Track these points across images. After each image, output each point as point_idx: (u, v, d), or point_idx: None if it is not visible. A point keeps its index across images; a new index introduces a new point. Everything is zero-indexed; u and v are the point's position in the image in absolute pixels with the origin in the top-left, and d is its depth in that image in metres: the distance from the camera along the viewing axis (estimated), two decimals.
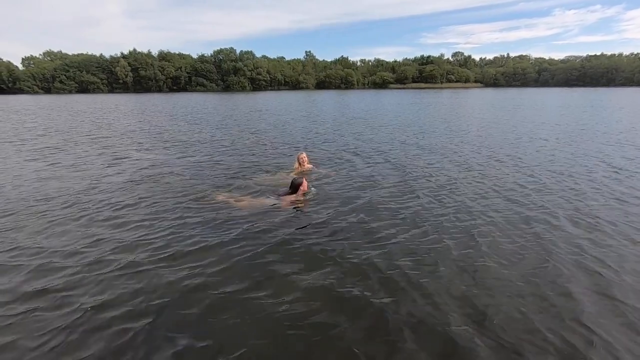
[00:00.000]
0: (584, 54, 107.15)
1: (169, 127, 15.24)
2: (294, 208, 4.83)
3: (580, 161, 7.76)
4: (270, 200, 5.02)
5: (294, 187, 5.10)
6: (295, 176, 5.60)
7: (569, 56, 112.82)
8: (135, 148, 9.95)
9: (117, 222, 4.44)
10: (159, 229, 4.17)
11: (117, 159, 8.43)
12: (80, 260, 3.48)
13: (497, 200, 5.14)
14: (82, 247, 3.75)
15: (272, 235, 3.98)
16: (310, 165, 6.83)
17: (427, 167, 7.21)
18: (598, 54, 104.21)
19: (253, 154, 8.85)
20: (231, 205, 4.89)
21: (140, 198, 5.34)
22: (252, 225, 4.24)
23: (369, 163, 7.68)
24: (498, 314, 2.65)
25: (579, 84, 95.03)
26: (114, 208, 4.92)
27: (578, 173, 6.68)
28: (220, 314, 2.67)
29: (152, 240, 3.88)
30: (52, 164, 7.90)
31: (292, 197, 5.03)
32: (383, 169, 7.14)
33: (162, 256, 3.53)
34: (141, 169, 7.34)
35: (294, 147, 9.85)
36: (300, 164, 6.66)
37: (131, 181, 6.35)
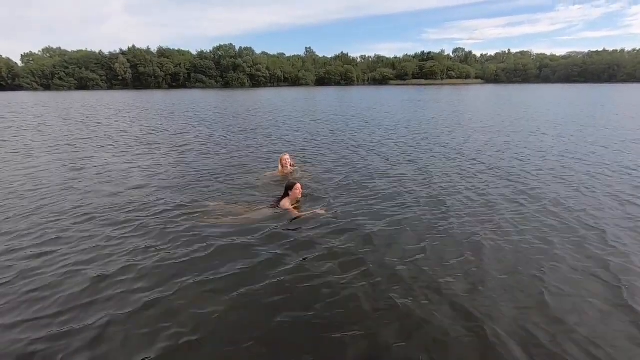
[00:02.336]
0: (587, 50, 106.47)
1: (156, 126, 15.11)
2: (291, 217, 4.52)
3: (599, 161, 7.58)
4: (264, 210, 4.70)
5: (287, 190, 4.79)
6: (290, 179, 5.38)
7: (571, 52, 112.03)
8: (118, 152, 9.67)
9: (89, 238, 4.08)
10: (136, 247, 3.81)
11: (95, 164, 8.14)
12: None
13: (506, 205, 5.06)
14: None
15: (268, 247, 3.78)
16: (293, 168, 6.62)
17: (426, 171, 7.06)
18: (600, 49, 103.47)
19: (241, 155, 8.70)
20: (222, 218, 4.52)
21: (118, 211, 4.96)
22: (249, 237, 3.98)
23: (368, 164, 7.53)
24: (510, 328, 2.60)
25: (580, 80, 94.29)
26: (85, 223, 4.53)
27: (597, 180, 6.27)
28: (221, 330, 2.60)
29: (136, 261, 3.53)
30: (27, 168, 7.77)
31: (287, 204, 4.67)
32: (386, 170, 6.98)
33: (146, 277, 3.26)
34: (120, 175, 6.91)
35: (287, 146, 9.81)
36: (282, 165, 6.44)
37: (105, 191, 5.88)
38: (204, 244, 3.83)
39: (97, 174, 6.99)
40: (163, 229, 4.25)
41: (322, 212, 4.61)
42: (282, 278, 3.19)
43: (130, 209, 4.98)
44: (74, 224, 4.50)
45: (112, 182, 6.39)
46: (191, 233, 4.12)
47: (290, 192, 4.76)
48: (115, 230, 4.26)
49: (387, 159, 7.97)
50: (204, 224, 4.37)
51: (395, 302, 2.83)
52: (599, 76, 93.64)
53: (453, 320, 2.64)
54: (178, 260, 3.53)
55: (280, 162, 6.52)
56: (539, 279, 3.16)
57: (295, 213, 4.57)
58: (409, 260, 3.49)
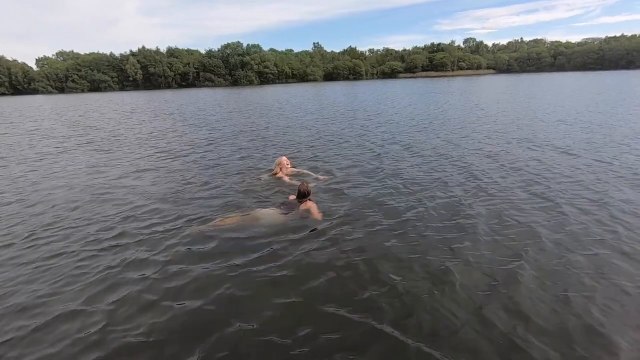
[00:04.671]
0: (604, 36, 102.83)
1: (154, 129, 15.03)
2: (308, 220, 4.36)
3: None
4: (270, 215, 4.46)
5: (303, 195, 4.60)
6: (304, 183, 4.97)
7: (587, 39, 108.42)
8: (112, 156, 9.64)
9: (84, 250, 3.89)
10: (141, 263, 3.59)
11: (90, 166, 8.01)
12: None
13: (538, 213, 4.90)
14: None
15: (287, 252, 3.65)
16: (292, 169, 6.46)
17: (442, 170, 6.84)
18: (618, 35, 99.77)
19: (243, 158, 8.37)
20: (228, 226, 4.26)
21: (112, 222, 4.67)
22: (263, 243, 3.83)
23: (381, 163, 7.33)
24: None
25: (596, 68, 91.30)
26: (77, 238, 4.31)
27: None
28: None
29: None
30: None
31: (308, 206, 4.49)
32: (399, 170, 6.76)
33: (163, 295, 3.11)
34: (115, 183, 6.55)
35: (292, 145, 9.72)
36: (280, 168, 6.25)
37: (97, 201, 5.55)
38: (215, 254, 3.77)
39: (91, 179, 6.89)
40: (171, 239, 4.15)
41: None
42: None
43: (125, 219, 4.74)
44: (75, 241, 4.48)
45: (107, 191, 6.07)
46: (201, 243, 4.05)
47: (307, 200, 4.62)
48: (107, 244, 4.03)
49: (399, 157, 7.83)
50: (210, 232, 4.21)
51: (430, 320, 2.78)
52: (616, 63, 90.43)
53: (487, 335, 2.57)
54: (193, 272, 3.53)
55: (278, 164, 6.32)
56: (586, 298, 2.89)
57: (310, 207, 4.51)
58: (435, 272, 3.37)
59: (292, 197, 4.87)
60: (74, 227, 4.51)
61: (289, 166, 6.40)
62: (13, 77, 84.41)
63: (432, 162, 7.26)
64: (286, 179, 6.12)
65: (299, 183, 4.78)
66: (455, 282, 3.08)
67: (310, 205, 4.55)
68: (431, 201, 4.99)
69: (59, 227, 4.56)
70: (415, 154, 7.98)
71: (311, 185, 5.10)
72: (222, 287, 3.12)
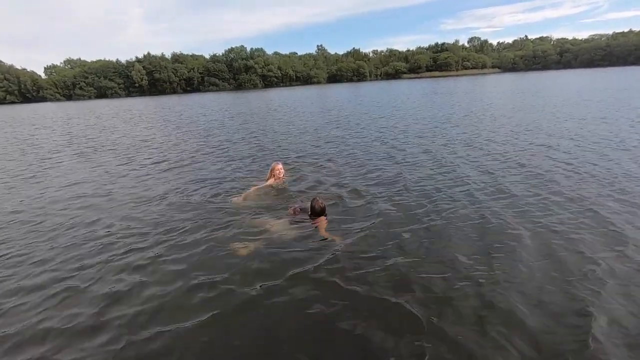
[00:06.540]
0: (611, 32, 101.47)
1: (149, 137, 15.06)
2: (319, 237, 4.07)
3: None
4: (276, 226, 4.25)
5: (318, 212, 4.30)
6: (317, 198, 4.50)
7: (594, 35, 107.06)
8: (98, 168, 9.25)
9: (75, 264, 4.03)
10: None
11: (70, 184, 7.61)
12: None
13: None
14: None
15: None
16: (286, 178, 6.21)
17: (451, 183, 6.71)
18: (626, 30, 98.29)
19: (239, 166, 7.99)
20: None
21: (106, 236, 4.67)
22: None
23: (384, 171, 7.20)
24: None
25: (603, 64, 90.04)
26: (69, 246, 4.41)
27: None
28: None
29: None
30: None
31: (324, 222, 4.20)
32: (404, 180, 6.34)
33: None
34: (107, 197, 6.27)
35: (288, 153, 9.60)
36: (275, 176, 5.95)
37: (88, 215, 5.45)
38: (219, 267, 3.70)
39: (78, 192, 6.61)
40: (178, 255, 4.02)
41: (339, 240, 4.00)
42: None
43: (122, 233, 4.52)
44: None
45: (95, 205, 5.76)
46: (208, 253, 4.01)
47: (323, 217, 4.31)
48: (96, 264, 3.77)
49: (404, 165, 7.67)
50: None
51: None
52: (624, 59, 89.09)
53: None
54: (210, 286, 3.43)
55: (272, 171, 6.00)
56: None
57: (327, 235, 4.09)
58: (445, 293, 3.23)
59: (297, 208, 4.60)
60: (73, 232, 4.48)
61: (281, 174, 6.04)
62: (22, 85, 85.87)
63: (439, 169, 7.08)
64: (268, 189, 5.80)
65: (276, 194, 4.43)
66: (469, 306, 2.92)
67: (322, 223, 4.22)
68: (437, 213, 4.76)
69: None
70: (422, 161, 7.83)
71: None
72: (228, 297, 3.03)
